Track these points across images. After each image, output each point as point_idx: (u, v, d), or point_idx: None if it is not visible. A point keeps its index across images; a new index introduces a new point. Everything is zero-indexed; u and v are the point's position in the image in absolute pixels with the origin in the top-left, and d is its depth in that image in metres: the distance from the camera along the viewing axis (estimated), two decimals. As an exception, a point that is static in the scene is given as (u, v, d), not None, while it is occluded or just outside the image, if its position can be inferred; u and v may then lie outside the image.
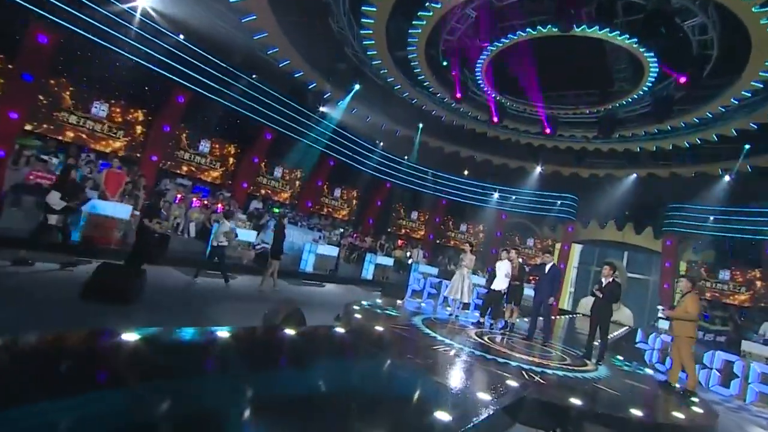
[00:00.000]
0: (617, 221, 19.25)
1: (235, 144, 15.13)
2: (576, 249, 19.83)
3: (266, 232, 13.16)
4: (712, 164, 15.07)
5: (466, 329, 8.23)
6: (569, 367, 6.53)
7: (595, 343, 7.67)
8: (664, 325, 13.31)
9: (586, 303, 15.71)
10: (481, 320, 9.29)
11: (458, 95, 13.21)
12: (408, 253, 18.56)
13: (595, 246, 19.80)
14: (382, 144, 18.61)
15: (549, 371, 5.94)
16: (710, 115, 12.88)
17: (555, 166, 18.72)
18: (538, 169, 19.41)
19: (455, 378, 4.55)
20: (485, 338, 7.65)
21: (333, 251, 14.18)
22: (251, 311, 5.94)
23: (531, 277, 9.22)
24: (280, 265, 9.68)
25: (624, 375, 7.08)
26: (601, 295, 7.61)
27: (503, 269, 9.24)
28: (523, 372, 5.53)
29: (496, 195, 20.44)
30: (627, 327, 17.12)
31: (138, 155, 12.22)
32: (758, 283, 16.21)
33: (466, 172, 21.44)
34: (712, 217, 16.64)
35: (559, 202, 19.62)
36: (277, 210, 15.48)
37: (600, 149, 16.34)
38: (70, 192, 6.77)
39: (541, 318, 8.55)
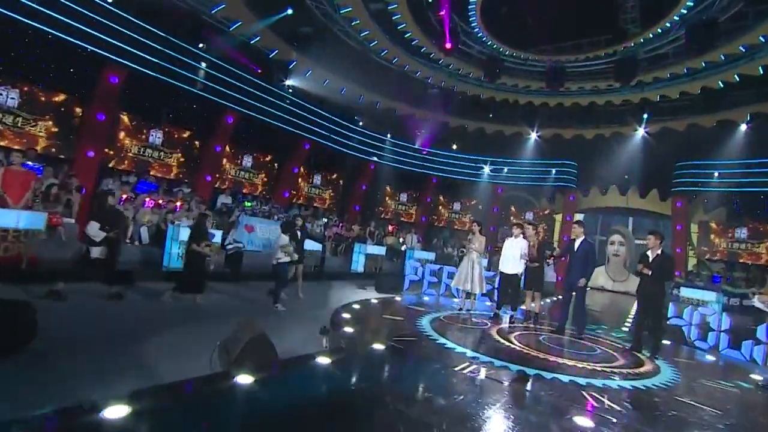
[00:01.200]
0: (620, 186, 17.93)
1: (192, 131, 13.13)
2: (578, 219, 18.47)
3: (238, 230, 11.41)
4: (731, 111, 13.61)
5: (484, 329, 6.70)
6: (628, 371, 5.05)
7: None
8: (686, 293, 12.06)
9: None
10: (498, 312, 7.81)
11: (448, 45, 11.20)
12: (401, 239, 16.97)
13: (598, 214, 18.51)
14: (361, 122, 16.77)
15: (611, 383, 4.44)
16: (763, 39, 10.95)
17: (556, 128, 17.12)
18: (533, 135, 17.83)
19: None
20: (513, 339, 6.12)
21: (316, 246, 12.43)
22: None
23: (549, 257, 7.67)
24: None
25: (696, 370, 5.60)
26: (649, 272, 6.15)
27: (517, 248, 7.72)
28: (583, 392, 4.01)
29: (487, 168, 18.86)
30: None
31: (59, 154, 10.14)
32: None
33: (454, 146, 19.78)
34: (716, 173, 15.41)
35: (554, 170, 18.15)
36: (249, 204, 13.62)
37: (611, 102, 14.72)
38: (109, 220, 6.17)
39: (568, 305, 7.10)
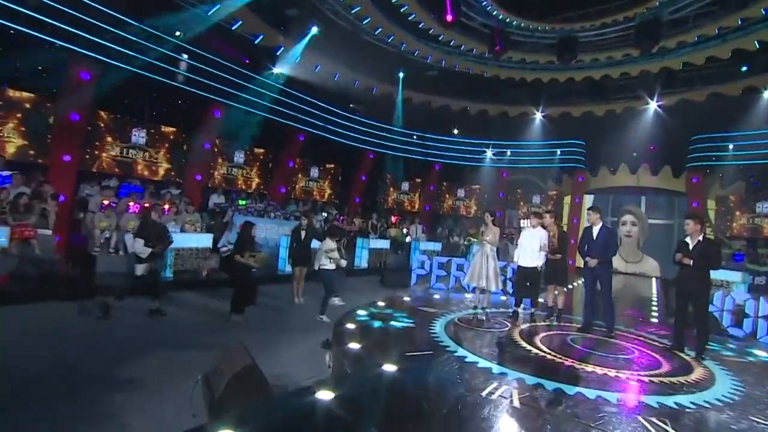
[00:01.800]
0: (630, 165, 17.12)
1: (178, 128, 12.34)
2: (587, 201, 17.75)
3: (233, 231, 10.74)
4: (760, 76, 12.53)
5: (505, 331, 6.02)
6: (679, 381, 4.37)
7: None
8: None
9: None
10: (517, 310, 7.12)
11: (449, 17, 10.21)
12: (405, 230, 16.27)
13: (609, 195, 17.74)
14: (356, 108, 15.90)
15: (667, 401, 3.75)
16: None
17: (564, 107, 16.18)
18: (539, 115, 16.94)
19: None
20: (539, 342, 5.45)
21: (315, 243, 11.72)
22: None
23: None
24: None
25: (755, 373, 4.89)
26: (690, 262, 5.43)
27: (536, 239, 7.01)
28: (644, 421, 3.31)
29: (489, 152, 18.04)
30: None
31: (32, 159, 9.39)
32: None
33: (456, 131, 18.93)
34: (731, 146, 14.60)
35: (560, 150, 17.34)
36: (243, 202, 12.90)
37: (628, 74, 13.71)
38: (154, 235, 6.23)
39: (592, 298, 6.42)
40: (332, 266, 6.96)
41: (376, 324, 5.98)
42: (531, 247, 7.04)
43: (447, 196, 19.74)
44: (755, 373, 4.96)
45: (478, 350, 4.92)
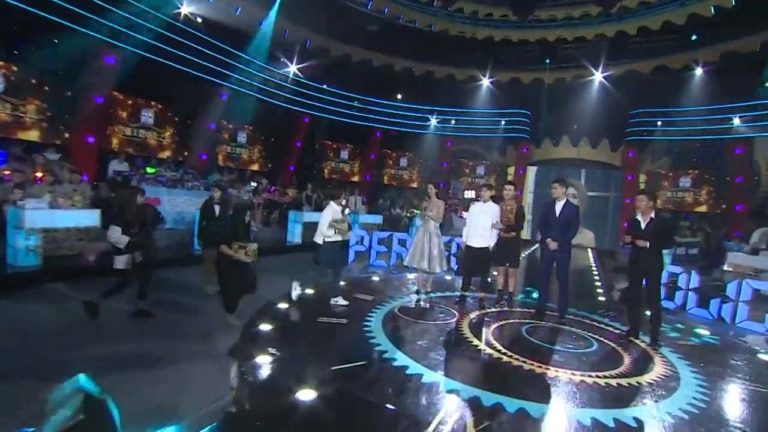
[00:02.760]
0: (572, 137, 17.13)
1: (58, 76, 9.90)
2: (531, 172, 17.65)
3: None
4: (705, 48, 12.60)
5: (452, 323, 5.20)
6: (648, 383, 3.79)
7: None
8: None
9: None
10: (464, 294, 6.38)
11: None
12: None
13: (551, 167, 17.73)
14: (292, 67, 14.02)
15: (644, 416, 3.08)
16: None
17: (514, 71, 15.49)
18: (486, 81, 16.18)
19: None
20: (491, 338, 4.68)
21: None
22: None
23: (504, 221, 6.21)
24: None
25: (711, 361, 4.44)
26: (647, 245, 4.92)
27: (488, 216, 6.22)
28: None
29: (433, 120, 17.14)
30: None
31: None
32: (707, 188, 15.28)
33: (399, 96, 17.72)
34: (659, 122, 15.01)
35: (505, 120, 16.89)
36: (152, 170, 10.91)
37: (583, 38, 13.05)
38: (139, 220, 5.02)
39: (546, 280, 5.81)
40: (337, 237, 5.67)
41: (299, 321, 4.89)
42: (482, 225, 6.24)
43: (389, 165, 18.71)
44: (711, 361, 4.57)
45: (421, 355, 4.02)
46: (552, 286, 5.80)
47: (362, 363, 3.75)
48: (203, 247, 6.67)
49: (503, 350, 4.32)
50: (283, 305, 5.36)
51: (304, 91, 14.42)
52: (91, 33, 9.04)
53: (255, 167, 15.36)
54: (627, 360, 4.40)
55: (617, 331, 5.41)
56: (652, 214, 5.03)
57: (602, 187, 17.34)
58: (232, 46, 12.08)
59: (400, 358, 3.91)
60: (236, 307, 5.00)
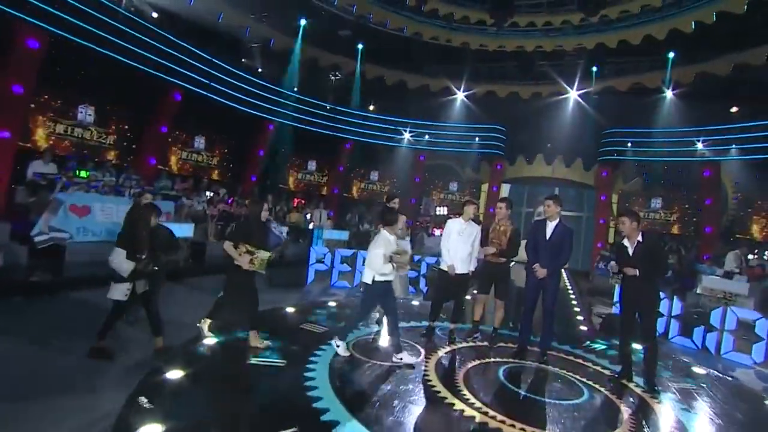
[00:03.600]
0: (546, 155, 16.88)
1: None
2: (504, 189, 17.21)
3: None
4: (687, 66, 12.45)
5: (416, 367, 4.28)
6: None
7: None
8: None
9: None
10: (432, 325, 5.51)
11: None
12: (308, 215, 14.07)
13: (524, 185, 17.38)
14: (251, 66, 13.01)
15: None
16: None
17: (490, 84, 15.04)
18: (461, 96, 15.72)
19: None
20: (464, 386, 3.79)
21: (187, 230, 9.06)
22: None
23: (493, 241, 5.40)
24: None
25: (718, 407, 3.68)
26: (636, 273, 4.24)
27: (470, 237, 5.41)
28: None
29: (407, 134, 16.51)
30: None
31: None
32: (677, 210, 15.24)
33: (371, 107, 17.05)
34: (629, 143, 15.00)
35: (480, 135, 16.47)
36: (85, 174, 9.61)
37: (562, 48, 12.60)
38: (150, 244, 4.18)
39: (532, 312, 5.03)
40: (392, 276, 4.38)
41: (225, 363, 3.88)
42: (462, 248, 5.39)
43: (359, 178, 17.86)
44: (723, 412, 3.85)
45: (375, 419, 3.08)
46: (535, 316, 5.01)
47: (292, 432, 2.77)
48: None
49: (478, 402, 3.45)
50: (208, 341, 4.31)
51: (267, 95, 13.44)
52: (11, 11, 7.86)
53: (215, 176, 14.20)
54: (626, 415, 3.61)
55: (607, 372, 4.65)
56: (639, 237, 4.36)
57: (575, 206, 17.08)
58: (188, 42, 11.06)
59: (346, 423, 2.96)
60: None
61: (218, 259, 9.43)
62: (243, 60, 12.25)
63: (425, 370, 4.14)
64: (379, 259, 4.10)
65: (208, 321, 4.49)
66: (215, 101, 12.08)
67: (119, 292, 4.07)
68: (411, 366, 4.21)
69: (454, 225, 5.52)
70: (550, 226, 4.86)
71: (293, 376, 3.68)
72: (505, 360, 4.71)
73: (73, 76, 9.82)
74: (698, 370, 5.15)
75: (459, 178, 17.99)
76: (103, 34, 9.20)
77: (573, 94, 14.37)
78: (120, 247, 4.08)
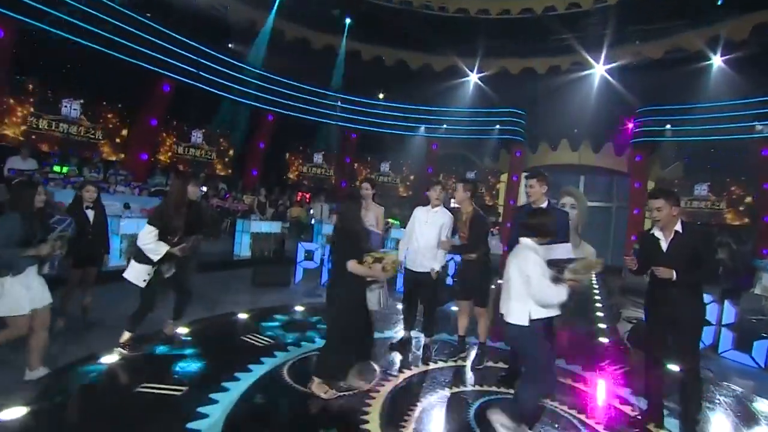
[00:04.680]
0: (572, 141, 15.30)
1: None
2: (525, 179, 15.83)
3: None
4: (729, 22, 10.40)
5: (371, 388, 3.31)
6: None
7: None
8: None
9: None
10: (406, 337, 4.54)
11: None
12: (312, 210, 13.33)
13: (548, 173, 15.90)
14: (237, 51, 12.15)
15: None
16: None
17: (500, 59, 13.57)
18: (474, 77, 14.41)
19: None
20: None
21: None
22: None
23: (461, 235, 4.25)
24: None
25: None
26: (673, 275, 2.99)
27: (434, 227, 4.40)
28: None
29: (415, 119, 15.34)
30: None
31: None
32: (728, 197, 13.21)
33: (381, 96, 16.05)
34: (668, 125, 13.15)
35: (498, 119, 15.06)
36: (65, 169, 9.28)
37: (577, 4, 10.71)
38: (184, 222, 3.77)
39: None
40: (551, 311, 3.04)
41: (105, 392, 3.05)
42: (425, 240, 4.39)
43: (367, 170, 16.88)
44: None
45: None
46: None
47: None
48: (73, 266, 4.74)
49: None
50: (107, 359, 3.51)
51: (264, 84, 12.70)
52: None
53: (219, 170, 13.69)
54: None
55: (628, 409, 3.48)
56: (678, 227, 3.10)
57: (604, 196, 15.44)
58: (176, 31, 10.47)
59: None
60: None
61: (209, 256, 8.96)
62: (230, 46, 11.53)
63: (365, 407, 3.13)
64: (546, 286, 2.66)
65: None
66: (207, 92, 11.48)
67: (137, 275, 3.66)
68: (356, 393, 3.25)
69: (419, 213, 4.52)
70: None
71: (180, 412, 2.79)
72: (486, 389, 3.63)
73: (54, 68, 9.41)
74: (763, 407, 3.81)
75: (476, 168, 16.66)
76: (78, 23, 8.73)
77: (599, 69, 12.74)
78: (150, 224, 3.61)
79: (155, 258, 3.63)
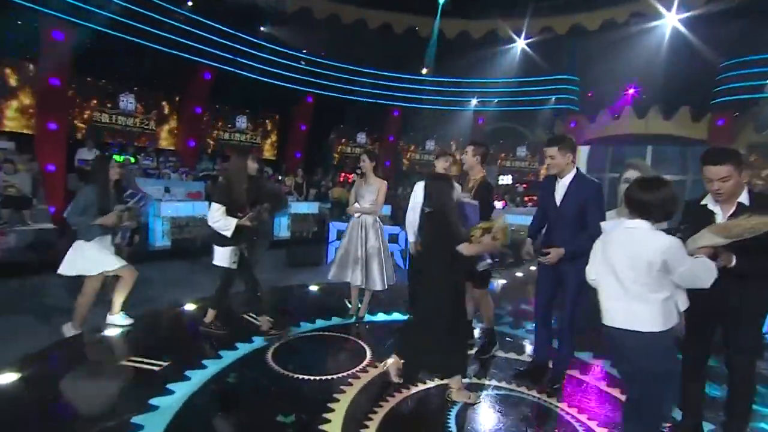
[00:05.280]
0: (637, 107, 13.62)
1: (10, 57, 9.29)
2: (582, 153, 14.38)
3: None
4: None
5: (350, 374, 3.16)
6: None
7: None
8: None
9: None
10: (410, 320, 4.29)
11: None
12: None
13: (607, 145, 14.32)
14: (272, 34, 12.22)
15: None
16: None
17: (543, 18, 12.25)
18: (522, 43, 13.25)
19: None
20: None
21: (187, 208, 8.74)
22: None
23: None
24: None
25: None
26: (732, 262, 2.18)
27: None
28: None
29: (474, 102, 14.50)
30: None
31: None
32: None
33: (424, 71, 15.41)
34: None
35: (547, 87, 13.77)
36: (120, 158, 10.00)
37: None
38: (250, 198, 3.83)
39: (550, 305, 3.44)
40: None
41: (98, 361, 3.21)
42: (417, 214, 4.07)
43: (411, 148, 16.47)
44: None
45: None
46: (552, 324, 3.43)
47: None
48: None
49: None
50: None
51: (299, 65, 12.71)
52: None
53: (266, 153, 14.17)
54: None
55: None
56: (744, 198, 2.31)
57: (676, 168, 13.63)
58: (214, 20, 10.77)
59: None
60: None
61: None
62: (262, 29, 11.63)
63: (341, 391, 2.98)
64: (700, 266, 2.02)
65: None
66: (247, 78, 11.76)
67: (225, 258, 3.79)
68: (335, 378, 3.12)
69: (418, 188, 4.16)
70: (562, 185, 3.18)
71: (152, 386, 2.86)
72: (486, 383, 3.29)
73: (110, 66, 10.17)
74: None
75: (528, 141, 15.54)
76: (131, 22, 9.32)
77: (671, 20, 10.97)
78: (217, 202, 3.71)
79: (228, 233, 3.70)
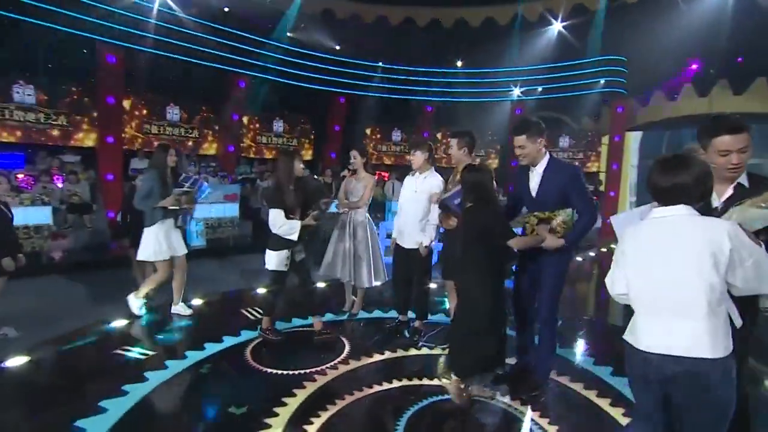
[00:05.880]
0: (699, 84, 12.22)
1: (74, 81, 10.41)
2: (632, 139, 13.22)
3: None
4: None
5: (318, 371, 3.20)
6: None
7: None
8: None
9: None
10: (402, 320, 4.29)
11: None
12: (385, 188, 13.40)
13: (662, 130, 13.02)
14: (297, 39, 12.55)
15: None
16: None
17: None
18: (559, 25, 12.41)
19: None
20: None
21: (231, 210, 9.38)
22: None
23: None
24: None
25: None
26: None
27: (422, 196, 4.00)
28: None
29: (517, 91, 13.87)
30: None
31: None
32: None
33: (459, 63, 15.04)
34: None
35: (591, 78, 12.75)
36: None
37: None
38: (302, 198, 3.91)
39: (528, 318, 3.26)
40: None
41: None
42: (412, 213, 4.04)
43: (447, 142, 16.09)
44: None
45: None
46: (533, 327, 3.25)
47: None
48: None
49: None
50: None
51: (328, 67, 12.94)
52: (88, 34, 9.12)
53: (306, 156, 14.67)
54: None
55: None
56: (743, 177, 1.99)
57: (758, 149, 12.05)
58: (248, 31, 11.34)
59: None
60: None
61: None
62: (288, 35, 11.98)
63: (292, 392, 3.00)
64: None
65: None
66: (276, 82, 12.24)
67: (278, 262, 3.70)
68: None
69: (408, 181, 4.15)
70: (536, 173, 3.00)
71: (132, 374, 3.09)
72: (482, 398, 3.17)
73: (155, 81, 11.06)
74: None
75: (570, 131, 14.57)
76: (170, 40, 10.11)
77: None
78: (274, 207, 3.63)
79: (294, 237, 3.61)
